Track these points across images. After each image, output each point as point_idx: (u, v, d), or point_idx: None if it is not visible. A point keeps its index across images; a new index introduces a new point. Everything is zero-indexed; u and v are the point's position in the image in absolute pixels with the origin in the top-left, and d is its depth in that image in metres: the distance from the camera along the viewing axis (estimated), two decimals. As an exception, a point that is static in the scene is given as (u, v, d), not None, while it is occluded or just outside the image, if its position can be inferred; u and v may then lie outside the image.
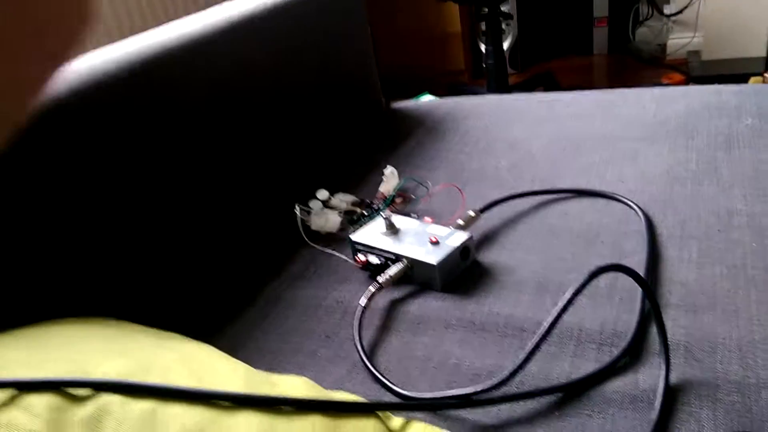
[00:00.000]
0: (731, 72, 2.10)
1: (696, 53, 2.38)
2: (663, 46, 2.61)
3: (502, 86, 2.17)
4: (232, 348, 0.63)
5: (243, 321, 0.67)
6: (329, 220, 0.78)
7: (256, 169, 0.87)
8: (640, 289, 0.60)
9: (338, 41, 1.08)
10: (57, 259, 0.60)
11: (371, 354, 0.59)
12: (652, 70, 2.48)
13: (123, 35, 0.84)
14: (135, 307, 0.67)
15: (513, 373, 0.51)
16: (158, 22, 0.90)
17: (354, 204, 0.82)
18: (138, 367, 0.42)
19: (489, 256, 0.70)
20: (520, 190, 0.81)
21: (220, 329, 0.66)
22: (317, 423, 0.39)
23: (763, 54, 2.17)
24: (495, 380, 0.50)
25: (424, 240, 0.69)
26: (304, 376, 0.48)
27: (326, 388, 0.48)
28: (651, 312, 0.58)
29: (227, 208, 0.82)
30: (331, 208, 0.81)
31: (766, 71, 2.03)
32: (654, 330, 0.56)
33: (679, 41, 2.55)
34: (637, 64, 2.58)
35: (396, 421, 0.43)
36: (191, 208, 0.77)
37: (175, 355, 0.46)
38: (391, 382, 0.54)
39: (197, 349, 0.49)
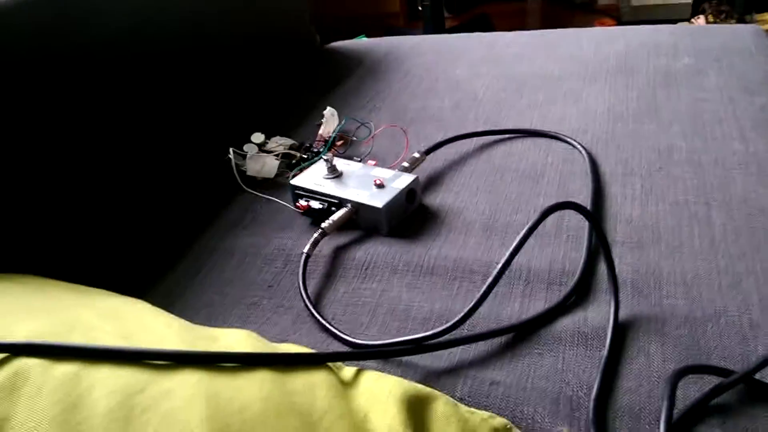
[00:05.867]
0: (660, 17, 2.14)
1: (627, -2, 2.40)
2: (595, -9, 2.62)
3: (438, 30, 2.12)
4: (165, 303, 0.58)
5: (176, 274, 0.63)
6: (266, 165, 0.74)
7: (183, 114, 0.81)
8: (586, 227, 0.60)
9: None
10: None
11: (317, 303, 0.56)
12: (584, 16, 2.48)
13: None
14: (57, 262, 0.61)
15: (466, 316, 0.49)
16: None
17: (292, 147, 0.78)
18: (59, 327, 0.38)
19: (435, 199, 0.68)
20: (464, 131, 0.79)
21: (151, 284, 0.62)
22: (265, 379, 0.36)
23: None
24: (447, 324, 0.49)
25: (368, 183, 0.66)
26: (246, 328, 0.45)
27: (271, 340, 0.45)
28: (597, 250, 0.58)
29: (156, 155, 0.76)
30: (268, 152, 0.77)
31: (692, 16, 2.08)
32: (601, 267, 0.56)
33: (610, -14, 2.55)
34: (570, 10, 2.58)
35: (347, 371, 0.41)
36: (117, 156, 0.70)
37: (101, 312, 0.41)
38: (339, 331, 0.52)
39: (126, 304, 0.45)
